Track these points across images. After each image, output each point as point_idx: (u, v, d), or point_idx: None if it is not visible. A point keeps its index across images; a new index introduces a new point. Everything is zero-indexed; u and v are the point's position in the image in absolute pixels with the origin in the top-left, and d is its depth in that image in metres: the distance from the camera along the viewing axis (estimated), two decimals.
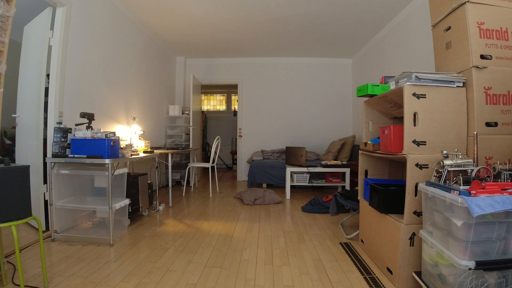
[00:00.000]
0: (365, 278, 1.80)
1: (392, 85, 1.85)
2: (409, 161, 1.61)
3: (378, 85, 2.08)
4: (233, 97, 8.87)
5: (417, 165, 1.62)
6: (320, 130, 5.95)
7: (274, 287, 1.70)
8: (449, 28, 1.80)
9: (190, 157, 5.12)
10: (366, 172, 2.31)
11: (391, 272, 1.75)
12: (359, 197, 2.36)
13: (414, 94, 1.63)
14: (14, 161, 2.76)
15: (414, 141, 1.63)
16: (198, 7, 3.67)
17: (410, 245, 1.65)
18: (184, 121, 5.40)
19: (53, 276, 1.75)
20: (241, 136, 6.07)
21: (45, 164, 2.45)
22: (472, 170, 1.36)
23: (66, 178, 2.54)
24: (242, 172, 6.01)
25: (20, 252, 1.94)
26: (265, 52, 5.61)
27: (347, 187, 4.18)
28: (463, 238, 1.24)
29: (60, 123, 2.46)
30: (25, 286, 1.60)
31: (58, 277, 1.75)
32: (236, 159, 6.87)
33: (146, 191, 3.15)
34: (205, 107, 9.02)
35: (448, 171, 1.39)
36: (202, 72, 6.06)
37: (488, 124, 1.62)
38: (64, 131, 2.35)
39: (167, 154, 3.81)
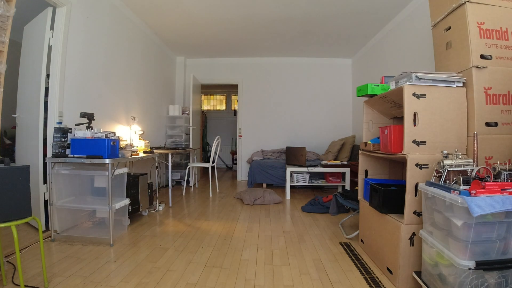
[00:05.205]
0: (365, 278, 1.80)
1: (392, 85, 1.85)
2: (409, 161, 1.61)
3: (378, 85, 2.08)
4: (233, 97, 8.87)
5: (417, 165, 1.62)
6: (320, 130, 5.95)
7: (274, 287, 1.70)
8: (449, 28, 1.80)
9: (190, 157, 5.12)
10: (366, 172, 2.31)
11: (391, 272, 1.75)
12: (359, 197, 2.36)
13: (414, 94, 1.63)
14: (14, 161, 2.77)
15: (414, 141, 1.63)
16: (198, 7, 3.67)
17: (410, 245, 1.65)
18: (184, 121, 5.40)
19: (53, 276, 1.75)
20: (241, 136, 6.07)
21: (45, 164, 2.45)
22: (472, 170, 1.36)
23: (66, 178, 2.53)
24: (242, 172, 6.01)
25: (20, 252, 1.94)
26: (265, 52, 5.61)
27: (347, 187, 4.18)
28: (463, 238, 1.24)
29: (60, 123, 2.46)
30: (25, 286, 1.60)
31: (58, 277, 1.75)
32: (236, 159, 6.87)
33: (146, 191, 3.15)
34: (205, 107, 9.02)
35: (448, 171, 1.39)
36: (202, 72, 6.06)
37: (488, 124, 1.62)
38: (64, 131, 2.35)
39: (167, 154, 3.81)
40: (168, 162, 3.73)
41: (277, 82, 6.03)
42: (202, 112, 7.76)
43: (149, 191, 3.22)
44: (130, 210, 2.77)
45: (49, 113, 2.53)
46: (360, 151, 2.32)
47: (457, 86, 1.66)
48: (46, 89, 2.52)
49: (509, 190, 1.24)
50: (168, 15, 3.92)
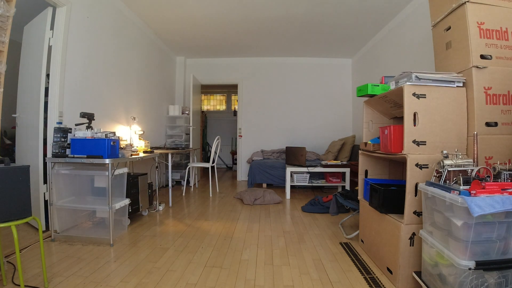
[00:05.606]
0: (365, 278, 1.80)
1: (392, 85, 1.85)
2: (409, 161, 1.61)
3: (378, 85, 2.08)
4: (233, 97, 8.87)
5: (417, 165, 1.61)
6: (320, 130, 5.95)
7: (274, 287, 1.70)
8: (449, 28, 1.80)
9: (190, 157, 5.12)
10: (366, 172, 2.31)
11: (391, 272, 1.75)
12: (359, 197, 2.36)
13: (414, 94, 1.63)
14: (14, 161, 2.77)
15: (414, 141, 1.63)
16: (198, 7, 3.67)
17: (410, 245, 1.65)
18: (184, 121, 5.40)
19: (53, 276, 1.75)
20: (241, 136, 6.07)
21: (45, 164, 2.45)
22: (472, 170, 1.36)
23: (66, 178, 2.53)
24: (242, 172, 6.01)
25: (20, 252, 1.94)
26: (265, 52, 5.61)
27: (347, 187, 4.18)
28: (463, 238, 1.23)
29: (60, 123, 2.46)
30: (25, 286, 1.60)
31: (58, 277, 1.75)
32: (236, 159, 6.87)
33: (146, 191, 3.15)
34: (205, 107, 9.02)
35: (448, 171, 1.39)
36: (202, 72, 6.06)
37: (488, 124, 1.62)
38: (64, 131, 2.35)
39: (167, 154, 3.81)
40: (168, 162, 3.73)
41: (277, 82, 6.03)
42: (202, 112, 7.76)
43: (149, 191, 3.22)
44: (130, 210, 2.77)
45: (49, 113, 2.53)
46: (360, 151, 2.32)
47: (457, 86, 1.66)
48: (46, 89, 2.52)
49: (509, 190, 1.24)
50: (168, 15, 3.92)
